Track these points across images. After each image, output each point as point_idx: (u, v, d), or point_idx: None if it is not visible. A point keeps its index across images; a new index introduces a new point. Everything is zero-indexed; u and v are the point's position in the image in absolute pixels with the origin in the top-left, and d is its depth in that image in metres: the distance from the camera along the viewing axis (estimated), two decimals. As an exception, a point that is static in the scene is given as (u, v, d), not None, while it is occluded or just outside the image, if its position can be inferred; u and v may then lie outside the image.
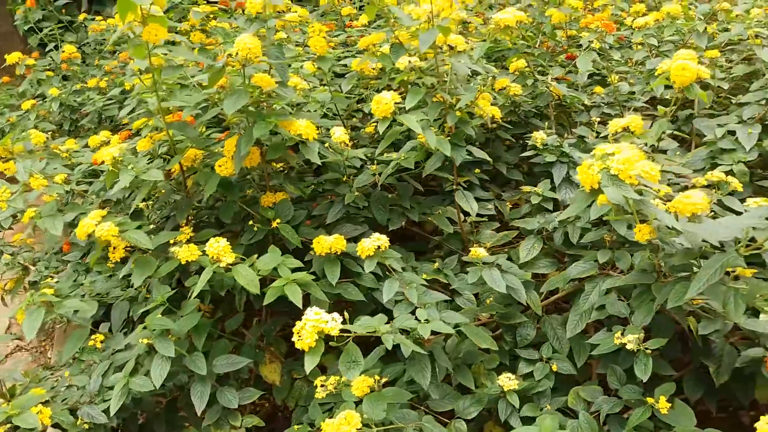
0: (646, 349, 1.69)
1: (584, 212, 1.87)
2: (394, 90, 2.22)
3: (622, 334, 1.74)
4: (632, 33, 2.96)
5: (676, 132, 2.45)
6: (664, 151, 2.54)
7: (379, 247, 1.96)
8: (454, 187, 2.29)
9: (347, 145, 2.17)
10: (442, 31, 1.98)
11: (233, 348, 2.28)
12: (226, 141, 2.00)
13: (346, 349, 1.55)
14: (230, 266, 1.84)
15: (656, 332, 1.85)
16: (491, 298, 2.13)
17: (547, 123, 2.63)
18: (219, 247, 1.82)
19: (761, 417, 1.30)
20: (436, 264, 2.27)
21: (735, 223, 1.55)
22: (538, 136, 2.33)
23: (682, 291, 1.55)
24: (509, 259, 2.17)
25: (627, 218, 1.70)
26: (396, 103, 1.93)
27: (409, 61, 2.02)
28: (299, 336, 1.47)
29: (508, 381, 1.85)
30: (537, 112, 2.78)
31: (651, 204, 1.54)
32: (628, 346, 1.68)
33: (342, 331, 1.53)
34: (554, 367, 1.95)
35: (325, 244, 2.01)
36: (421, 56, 2.20)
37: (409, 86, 2.17)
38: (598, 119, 2.49)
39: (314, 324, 1.46)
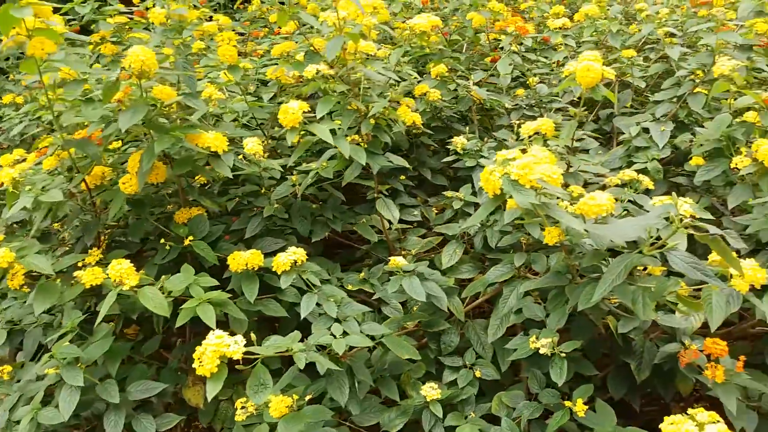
0: (561, 352, 1.68)
1: (500, 216, 1.85)
2: (319, 98, 2.16)
3: (537, 338, 1.73)
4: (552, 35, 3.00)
5: (589, 133, 2.48)
6: (587, 151, 2.56)
7: (295, 261, 1.90)
8: (375, 195, 2.25)
9: (262, 155, 2.11)
10: (351, 38, 1.94)
11: (156, 371, 2.19)
12: (130, 157, 1.91)
13: (253, 372, 1.48)
14: (136, 289, 1.76)
15: (576, 333, 1.85)
16: (417, 306, 2.09)
17: (468, 127, 2.62)
18: (121, 269, 1.72)
19: (665, 418, 1.30)
20: (362, 274, 2.23)
21: (640, 222, 1.55)
22: (459, 141, 2.31)
23: (592, 292, 1.55)
24: (432, 265, 2.14)
25: (538, 221, 1.69)
26: (305, 112, 1.87)
27: (318, 70, 1.98)
28: (200, 362, 1.40)
29: (431, 391, 1.82)
30: (460, 116, 2.76)
31: (556, 207, 1.53)
32: (542, 351, 1.67)
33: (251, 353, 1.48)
34: (477, 374, 1.93)
35: (241, 260, 1.95)
36: (338, 63, 2.15)
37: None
38: (519, 122, 2.49)
39: (215, 348, 1.40)
